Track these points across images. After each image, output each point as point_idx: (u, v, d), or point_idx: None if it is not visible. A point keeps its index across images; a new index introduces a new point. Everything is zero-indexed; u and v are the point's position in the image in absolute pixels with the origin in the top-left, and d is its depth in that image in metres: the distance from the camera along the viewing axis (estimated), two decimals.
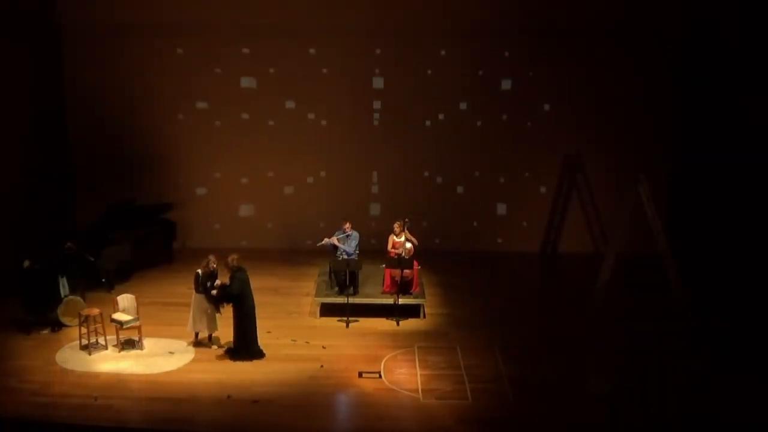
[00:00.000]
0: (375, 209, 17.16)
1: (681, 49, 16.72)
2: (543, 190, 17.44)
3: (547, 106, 17.08)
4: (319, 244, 14.28)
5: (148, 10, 16.28)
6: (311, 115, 17.03)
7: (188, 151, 17.10)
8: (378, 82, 16.90)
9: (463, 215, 17.46)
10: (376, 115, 17.03)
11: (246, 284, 11.97)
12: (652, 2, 16.43)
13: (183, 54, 16.71)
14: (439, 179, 17.37)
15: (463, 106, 17.06)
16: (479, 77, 16.94)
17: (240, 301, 11.90)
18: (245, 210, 17.40)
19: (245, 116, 17.03)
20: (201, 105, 16.95)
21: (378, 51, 16.81)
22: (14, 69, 15.11)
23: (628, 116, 17.00)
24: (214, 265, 12.27)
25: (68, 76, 16.79)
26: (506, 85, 16.98)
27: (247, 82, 16.91)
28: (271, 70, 16.85)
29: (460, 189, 17.38)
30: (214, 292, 12.08)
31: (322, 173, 17.27)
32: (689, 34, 16.49)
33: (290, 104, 16.97)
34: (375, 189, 17.30)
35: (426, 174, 17.32)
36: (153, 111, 16.91)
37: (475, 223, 17.47)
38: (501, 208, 17.47)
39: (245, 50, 16.73)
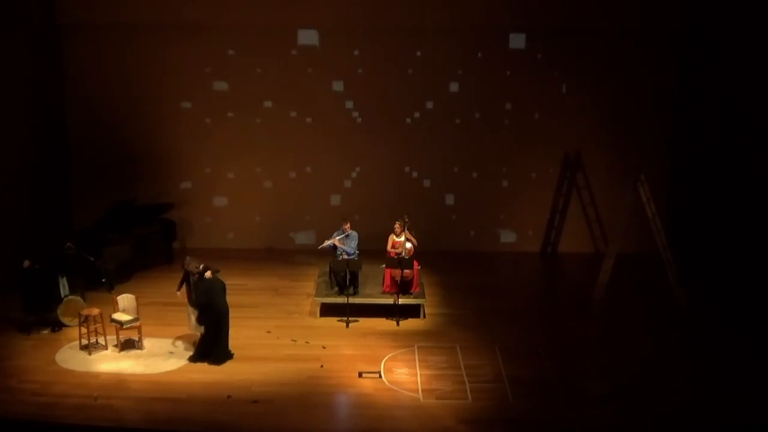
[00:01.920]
0: (373, 209, 17.13)
1: (681, 49, 16.73)
2: (542, 189, 17.42)
3: (547, 107, 17.07)
4: (321, 247, 14.27)
5: (149, 9, 16.25)
6: (354, 111, 17.06)
7: (188, 151, 17.08)
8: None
9: (463, 215, 17.48)
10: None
11: (209, 293, 11.81)
12: (653, 2, 16.43)
13: (183, 53, 16.71)
14: (443, 182, 17.39)
15: (463, 102, 17.05)
16: (479, 75, 16.94)
17: (206, 308, 11.82)
18: (243, 216, 17.44)
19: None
20: (196, 104, 16.96)
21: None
22: (14, 69, 15.10)
23: (628, 116, 17.00)
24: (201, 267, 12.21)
25: (68, 75, 16.78)
26: (505, 86, 16.98)
27: (235, 83, 16.94)
28: (258, 70, 16.85)
29: (460, 187, 17.39)
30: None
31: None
32: (689, 34, 16.49)
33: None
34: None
35: (424, 175, 17.34)
36: (153, 111, 16.88)
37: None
38: (501, 208, 17.48)
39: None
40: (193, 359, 11.92)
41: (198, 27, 16.44)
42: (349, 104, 16.98)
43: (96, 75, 16.66)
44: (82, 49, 16.63)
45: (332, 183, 17.29)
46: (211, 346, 11.90)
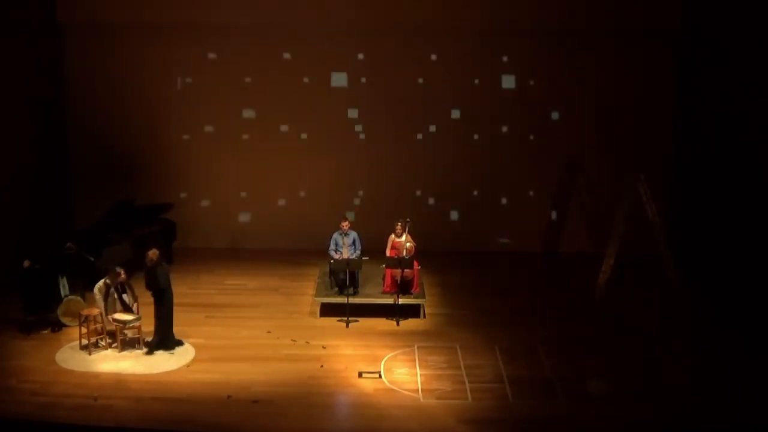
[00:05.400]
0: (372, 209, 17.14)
1: (681, 49, 16.72)
2: (542, 189, 17.43)
3: (547, 107, 17.07)
4: (329, 250, 14.23)
5: (149, 9, 16.26)
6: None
7: (188, 151, 17.10)
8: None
9: (463, 213, 17.50)
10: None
11: (167, 277, 12.33)
12: (653, 2, 16.41)
13: (182, 53, 16.72)
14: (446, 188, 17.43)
15: (462, 104, 17.06)
16: (477, 77, 16.94)
17: (164, 293, 12.20)
18: (243, 216, 17.45)
19: (248, 114, 17.08)
20: (197, 103, 16.99)
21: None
22: (14, 68, 15.09)
23: (628, 116, 16.99)
24: (124, 277, 12.38)
25: (68, 75, 16.77)
26: (505, 85, 16.97)
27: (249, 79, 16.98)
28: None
29: (461, 185, 17.41)
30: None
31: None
32: (689, 34, 16.48)
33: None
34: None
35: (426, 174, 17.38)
36: (154, 110, 16.88)
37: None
38: (501, 207, 17.47)
39: (244, 52, 16.83)
40: (151, 351, 12.06)
41: (199, 27, 16.45)
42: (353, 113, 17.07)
43: (96, 75, 16.67)
44: (82, 49, 16.64)
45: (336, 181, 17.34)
46: (166, 333, 12.12)
